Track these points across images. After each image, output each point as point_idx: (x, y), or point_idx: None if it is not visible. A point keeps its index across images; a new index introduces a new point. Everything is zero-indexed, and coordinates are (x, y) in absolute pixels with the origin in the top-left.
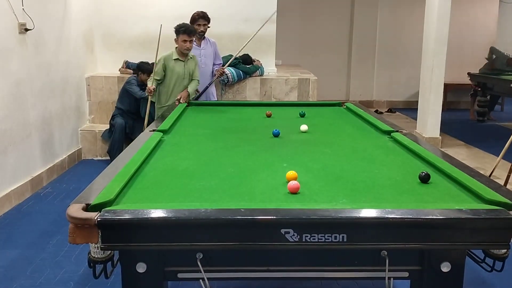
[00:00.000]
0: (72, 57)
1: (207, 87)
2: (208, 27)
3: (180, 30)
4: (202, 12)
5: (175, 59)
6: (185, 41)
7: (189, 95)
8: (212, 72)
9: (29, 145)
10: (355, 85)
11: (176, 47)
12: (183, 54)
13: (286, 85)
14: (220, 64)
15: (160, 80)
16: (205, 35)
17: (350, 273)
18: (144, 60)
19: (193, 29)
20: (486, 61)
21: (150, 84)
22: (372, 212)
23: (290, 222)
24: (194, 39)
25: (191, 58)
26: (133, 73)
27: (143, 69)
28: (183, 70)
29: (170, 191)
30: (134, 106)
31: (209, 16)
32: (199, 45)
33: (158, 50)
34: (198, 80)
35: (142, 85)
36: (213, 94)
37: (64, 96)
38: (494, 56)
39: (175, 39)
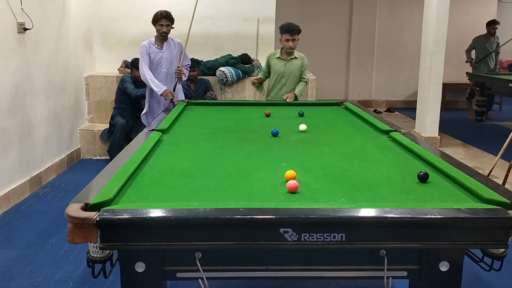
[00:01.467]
0: (71, 56)
1: (172, 100)
2: (172, 27)
3: (283, 29)
4: (165, 11)
5: (277, 58)
6: (287, 40)
7: (296, 96)
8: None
9: (27, 144)
10: (354, 85)
11: (282, 48)
12: (287, 53)
13: None
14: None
15: (267, 76)
16: (169, 37)
17: (349, 272)
18: None
19: (296, 27)
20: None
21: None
22: (370, 211)
23: (289, 222)
24: (155, 40)
25: (296, 58)
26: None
27: (137, 65)
28: (283, 68)
29: (169, 191)
30: (133, 105)
31: (173, 17)
32: (161, 47)
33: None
34: (305, 82)
35: (137, 82)
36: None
37: (63, 96)
38: (474, 50)
39: (280, 38)
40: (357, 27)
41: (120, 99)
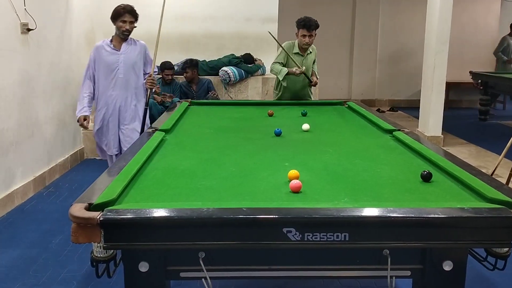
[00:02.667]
0: (74, 56)
1: (145, 115)
2: (135, 26)
3: (300, 24)
4: (129, 5)
5: (295, 53)
6: (304, 36)
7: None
8: (143, 86)
9: (31, 144)
10: (357, 84)
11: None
12: (303, 49)
13: None
14: (155, 73)
15: (283, 64)
16: (131, 37)
17: (352, 272)
18: None
19: (313, 23)
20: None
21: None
22: (374, 211)
23: (292, 221)
24: (111, 40)
25: (310, 52)
26: None
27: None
28: (301, 65)
29: (172, 191)
30: None
31: (137, 12)
32: (118, 49)
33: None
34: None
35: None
36: (147, 123)
37: (66, 96)
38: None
39: (296, 33)
40: (360, 26)
41: None
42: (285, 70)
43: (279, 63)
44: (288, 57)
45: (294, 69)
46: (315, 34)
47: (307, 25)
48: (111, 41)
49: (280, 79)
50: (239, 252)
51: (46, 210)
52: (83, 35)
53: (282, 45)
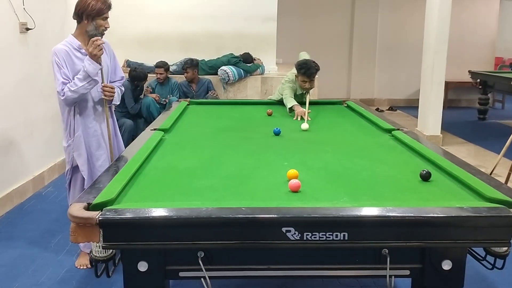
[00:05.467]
0: None
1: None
2: None
3: (300, 71)
4: None
5: (300, 94)
6: (304, 81)
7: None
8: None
9: (30, 144)
10: (356, 83)
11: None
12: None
13: None
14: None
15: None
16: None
17: (351, 271)
18: (141, 62)
19: (314, 70)
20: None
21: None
22: (373, 210)
23: (291, 221)
24: (79, 43)
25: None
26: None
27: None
28: (303, 95)
29: (171, 190)
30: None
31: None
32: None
33: None
34: None
35: (136, 89)
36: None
37: None
38: None
39: (296, 75)
40: (359, 25)
41: (122, 104)
42: (293, 103)
43: (291, 97)
44: (296, 93)
45: (298, 111)
46: (315, 76)
47: (308, 73)
48: (81, 45)
49: (287, 106)
50: (238, 252)
51: (45, 209)
52: None
53: (288, 81)
